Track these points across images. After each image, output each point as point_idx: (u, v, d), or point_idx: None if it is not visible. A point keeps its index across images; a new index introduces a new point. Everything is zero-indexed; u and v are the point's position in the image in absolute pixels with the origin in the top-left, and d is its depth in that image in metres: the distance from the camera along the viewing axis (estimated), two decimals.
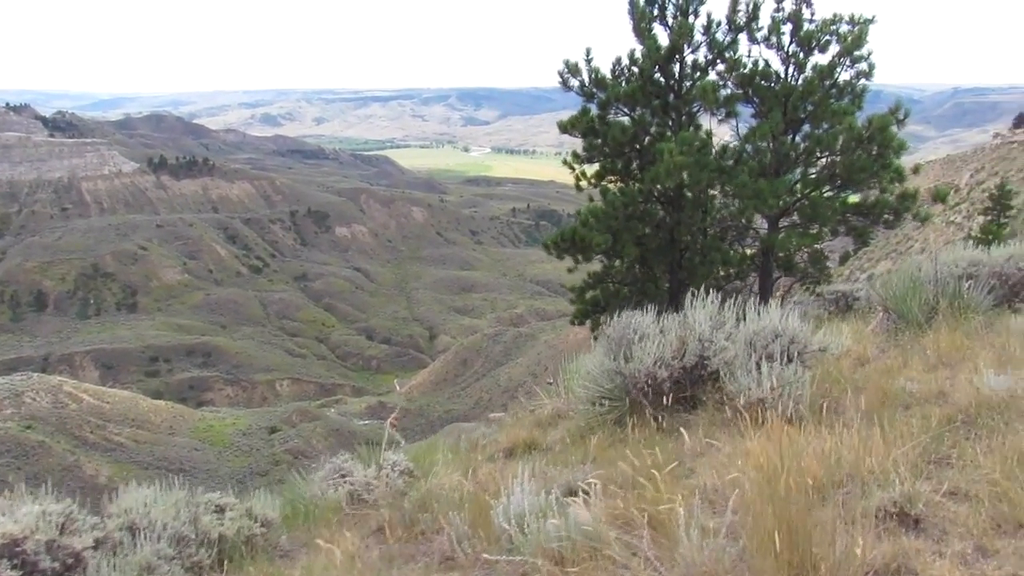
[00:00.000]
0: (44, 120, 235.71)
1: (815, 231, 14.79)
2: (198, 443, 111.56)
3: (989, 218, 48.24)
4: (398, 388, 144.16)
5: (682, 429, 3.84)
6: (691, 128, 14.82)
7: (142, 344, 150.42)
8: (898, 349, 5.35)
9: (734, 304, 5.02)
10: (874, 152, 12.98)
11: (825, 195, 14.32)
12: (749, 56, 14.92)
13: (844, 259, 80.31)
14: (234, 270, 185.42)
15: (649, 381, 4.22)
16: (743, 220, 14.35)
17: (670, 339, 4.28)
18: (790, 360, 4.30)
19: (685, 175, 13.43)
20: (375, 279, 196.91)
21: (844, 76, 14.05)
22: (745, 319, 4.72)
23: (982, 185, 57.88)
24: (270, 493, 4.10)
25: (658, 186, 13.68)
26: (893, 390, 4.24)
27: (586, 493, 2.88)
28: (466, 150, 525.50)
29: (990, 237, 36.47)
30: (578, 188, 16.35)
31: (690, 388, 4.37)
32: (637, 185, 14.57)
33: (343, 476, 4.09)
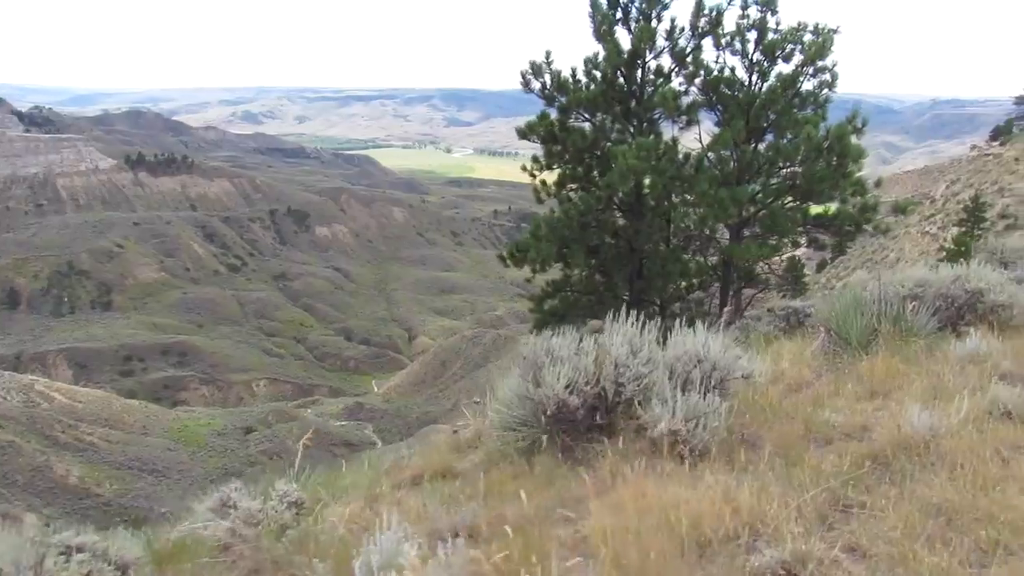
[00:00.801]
0: (20, 115, 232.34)
1: (775, 242, 14.63)
2: (172, 443, 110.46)
3: (963, 229, 48.68)
4: (376, 389, 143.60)
5: (583, 468, 3.59)
6: (651, 135, 14.59)
7: (117, 343, 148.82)
8: (835, 374, 5.12)
9: (662, 323, 4.77)
10: (833, 162, 12.82)
11: (787, 206, 14.17)
12: (716, 63, 14.76)
13: (821, 267, 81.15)
14: (212, 269, 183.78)
15: (560, 408, 3.95)
16: (705, 230, 14.16)
17: (585, 363, 4.01)
18: (711, 388, 4.05)
19: (646, 181, 13.21)
20: (355, 279, 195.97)
21: (807, 86, 13.91)
22: (668, 342, 4.47)
23: (957, 196, 58.36)
24: (146, 529, 3.80)
25: (615, 192, 13.42)
26: (817, 422, 4.01)
27: (462, 536, 2.61)
28: (448, 151, 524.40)
29: (962, 249, 36.72)
30: (537, 199, 16.12)
31: (607, 416, 4.11)
32: (596, 192, 14.31)
33: (228, 507, 3.78)
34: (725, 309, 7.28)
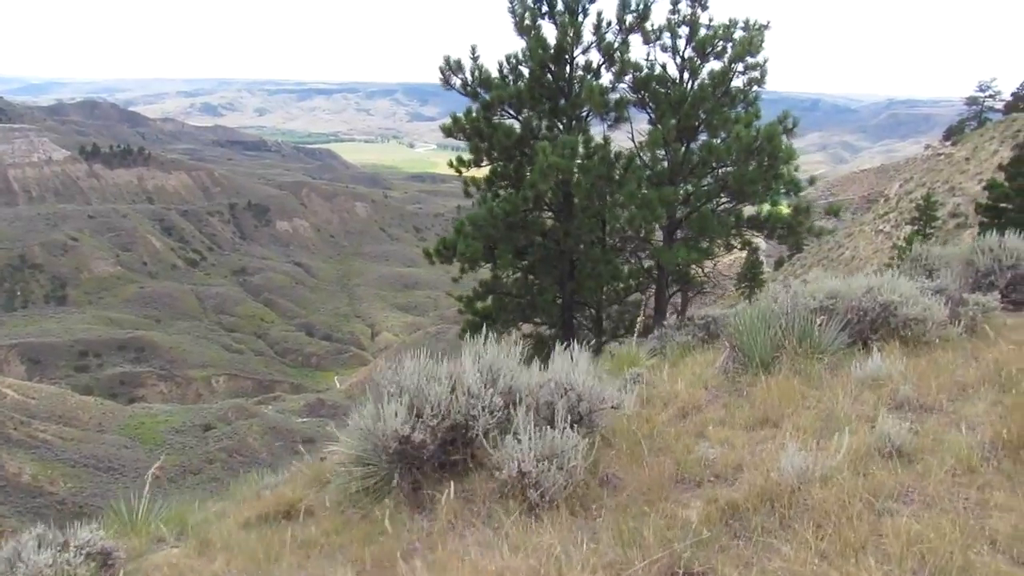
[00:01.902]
0: None
1: (706, 245, 14.30)
2: (128, 440, 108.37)
3: (915, 228, 49.28)
4: (338, 385, 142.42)
5: (421, 515, 3.15)
6: (580, 133, 14.17)
7: (71, 338, 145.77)
8: (731, 396, 4.74)
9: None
10: (765, 163, 12.51)
11: (720, 207, 13.86)
12: (648, 60, 14.38)
13: (778, 264, 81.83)
14: (169, 263, 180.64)
15: (404, 444, 3.50)
16: (636, 231, 13.77)
17: (436, 392, 3.57)
18: (578, 420, 3.63)
19: (578, 179, 12.75)
20: (316, 275, 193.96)
21: (738, 83, 13.57)
22: (546, 364, 4.05)
23: (910, 195, 59.05)
24: None
25: (539, 191, 12.98)
26: (690, 460, 3.62)
27: None
28: (411, 146, 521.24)
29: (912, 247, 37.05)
30: (466, 193, 15.63)
31: (464, 451, 3.67)
32: (524, 191, 13.83)
33: (18, 561, 3.27)
34: (638, 320, 6.92)
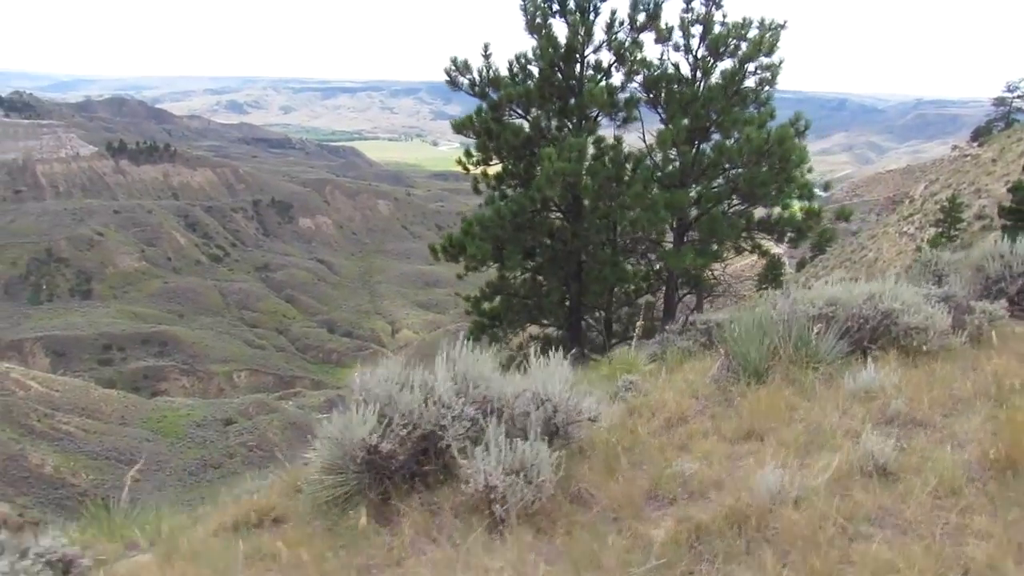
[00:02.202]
0: (0, 100, 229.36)
1: (715, 248, 14.06)
2: (150, 434, 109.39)
3: (940, 230, 48.56)
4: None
5: (388, 529, 3.06)
6: (588, 133, 13.99)
7: (96, 332, 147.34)
8: (721, 406, 4.61)
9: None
10: (776, 165, 12.27)
11: (731, 210, 13.63)
12: (662, 59, 14.16)
13: (801, 266, 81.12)
14: (193, 259, 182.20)
15: (372, 454, 3.42)
16: (643, 233, 13.57)
17: (407, 401, 3.48)
18: (553, 433, 3.53)
19: (585, 183, 12.58)
20: (338, 271, 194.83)
21: (751, 83, 13.32)
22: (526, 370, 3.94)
23: (935, 197, 58.22)
24: None
25: (545, 196, 12.83)
26: (667, 475, 3.50)
27: None
28: (435, 144, 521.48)
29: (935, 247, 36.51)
30: (475, 190, 15.53)
31: (434, 462, 3.58)
32: (531, 192, 13.69)
33: None
34: (637, 323, 6.80)
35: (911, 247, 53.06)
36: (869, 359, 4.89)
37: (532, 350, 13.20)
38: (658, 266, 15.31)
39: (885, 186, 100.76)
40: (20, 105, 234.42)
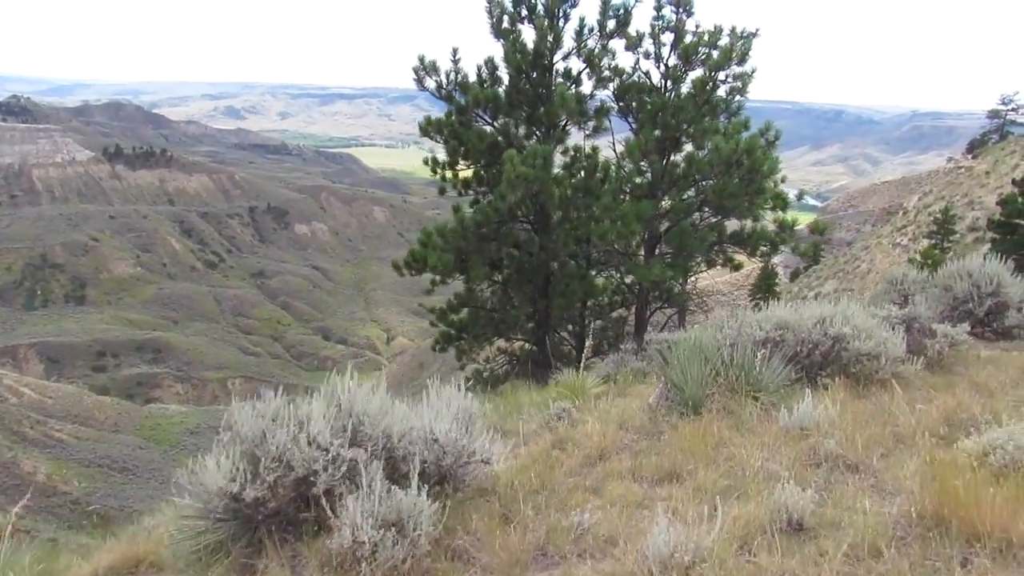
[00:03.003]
0: None
1: (684, 261, 13.65)
2: (143, 441, 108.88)
3: (932, 242, 48.36)
4: None
5: None
6: (555, 143, 13.62)
7: (90, 338, 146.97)
8: (650, 440, 4.26)
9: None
10: (745, 177, 11.91)
11: (702, 222, 13.25)
12: (635, 67, 13.80)
13: (794, 276, 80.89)
14: (188, 265, 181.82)
15: (235, 501, 3.06)
16: (614, 245, 13.19)
17: (277, 440, 3.12)
18: (442, 477, 3.17)
19: (550, 191, 12.16)
20: (333, 278, 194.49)
21: (721, 92, 12.96)
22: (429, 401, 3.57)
23: (929, 208, 57.96)
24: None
25: (508, 203, 12.43)
26: (562, 528, 3.14)
27: None
28: (431, 152, 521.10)
29: (929, 262, 36.19)
30: (441, 191, 15.18)
31: (314, 509, 3.22)
32: (495, 202, 13.26)
33: None
34: (587, 344, 6.47)
35: (904, 258, 52.82)
36: (811, 390, 4.54)
37: (499, 365, 12.82)
38: (629, 279, 14.92)
39: (880, 197, 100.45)
40: (17, 109, 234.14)
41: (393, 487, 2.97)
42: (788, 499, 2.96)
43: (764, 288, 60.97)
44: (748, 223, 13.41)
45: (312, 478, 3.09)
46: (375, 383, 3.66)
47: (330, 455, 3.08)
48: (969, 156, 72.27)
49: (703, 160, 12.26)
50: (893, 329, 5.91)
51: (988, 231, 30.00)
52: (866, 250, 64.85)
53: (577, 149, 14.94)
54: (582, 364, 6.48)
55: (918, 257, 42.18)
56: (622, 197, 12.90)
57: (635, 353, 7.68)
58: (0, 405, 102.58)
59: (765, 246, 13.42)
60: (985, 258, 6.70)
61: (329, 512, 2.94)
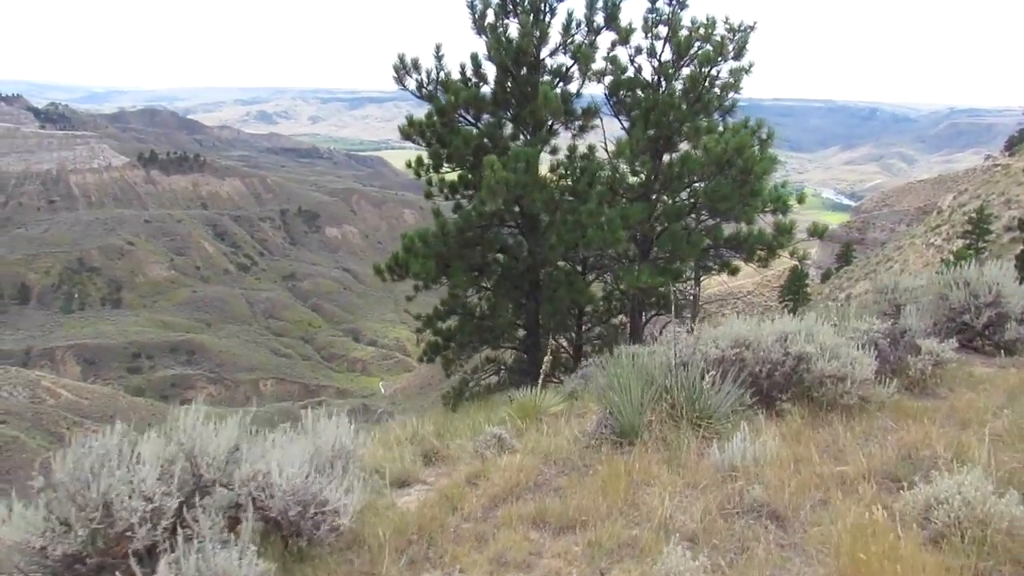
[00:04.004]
0: (36, 111, 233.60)
1: (676, 266, 12.95)
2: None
3: (967, 242, 46.95)
4: (383, 391, 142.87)
5: None
6: (541, 144, 13.01)
7: (125, 340, 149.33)
8: (573, 476, 3.76)
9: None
10: (738, 178, 11.23)
11: (699, 226, 12.59)
12: (632, 63, 13.16)
13: (826, 277, 79.44)
14: (222, 268, 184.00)
15: (42, 557, 2.64)
16: (600, 251, 12.56)
17: (102, 487, 2.69)
18: (295, 532, 2.72)
19: (534, 196, 11.57)
20: (364, 281, 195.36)
21: (717, 89, 12.26)
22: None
23: (964, 208, 56.30)
24: None
25: (489, 209, 11.87)
26: None
27: None
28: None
29: (963, 263, 35.05)
30: (427, 195, 14.64)
31: (147, 564, 2.78)
32: (474, 209, 12.66)
33: None
34: (545, 359, 5.99)
35: (938, 259, 51.35)
36: (766, 417, 4.00)
37: (486, 375, 12.30)
38: (623, 285, 14.26)
39: (915, 196, 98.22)
40: (55, 116, 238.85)
41: (218, 547, 2.53)
42: (674, 567, 2.47)
43: (793, 290, 59.71)
44: (744, 226, 12.73)
45: (129, 532, 2.66)
46: (241, 417, 3.22)
47: (150, 506, 2.65)
48: (1007, 154, 70.26)
49: (694, 160, 11.61)
50: (874, 345, 5.34)
51: (1021, 231, 28.90)
52: (899, 250, 63.28)
53: (572, 149, 14.39)
54: (540, 380, 5.98)
55: (951, 258, 40.90)
56: (619, 199, 12.31)
57: (603, 368, 7.17)
58: (38, 406, 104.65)
59: (762, 250, 12.71)
60: (983, 264, 6.09)
61: (138, 574, 2.50)
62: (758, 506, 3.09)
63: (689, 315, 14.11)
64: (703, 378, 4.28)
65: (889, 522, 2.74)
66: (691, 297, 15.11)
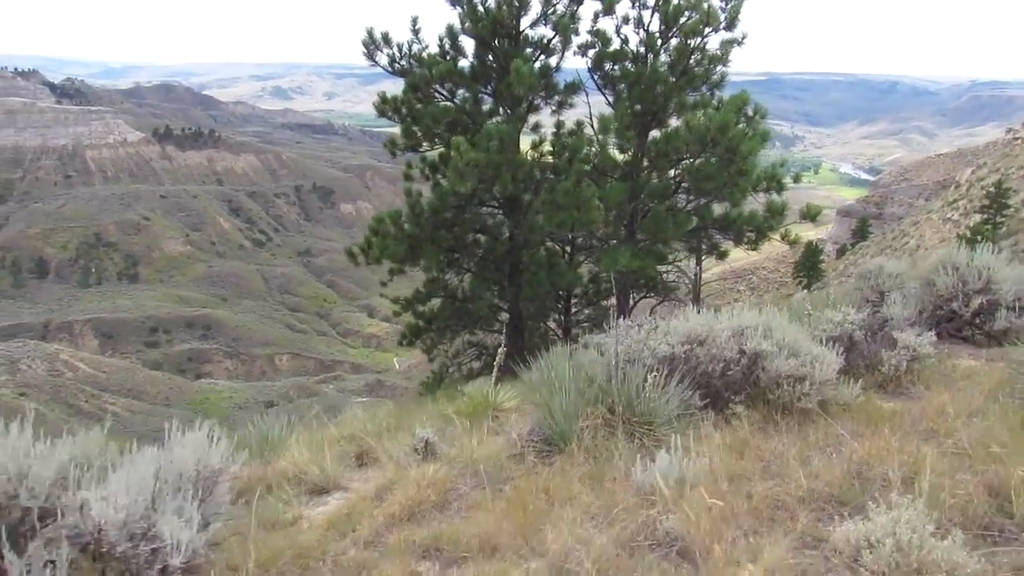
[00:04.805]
0: (52, 86, 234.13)
1: (660, 248, 12.38)
2: (193, 415, 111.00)
3: (984, 217, 45.91)
4: (397, 366, 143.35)
5: None
6: (521, 121, 12.43)
7: (142, 314, 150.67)
8: (487, 493, 3.36)
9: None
10: (724, 156, 10.65)
11: (689, 206, 12.01)
12: (619, 33, 12.51)
13: (841, 253, 78.51)
14: (237, 243, 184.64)
15: None
16: (577, 232, 11.99)
17: None
18: (125, 569, 2.34)
19: (506, 176, 10.99)
20: None
21: (705, 62, 11.62)
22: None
23: (982, 182, 55.09)
24: None
25: (459, 194, 11.33)
26: None
27: None
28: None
29: (979, 238, 34.14)
30: (406, 176, 14.12)
31: None
32: (448, 189, 12.10)
33: None
34: (500, 350, 5.62)
35: (954, 234, 50.33)
36: (715, 421, 3.58)
37: (467, 359, 11.81)
38: (601, 268, 13.72)
39: (935, 170, 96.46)
40: (72, 92, 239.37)
41: None
42: None
43: (808, 266, 58.80)
44: (732, 207, 12.13)
45: None
46: (88, 433, 2.83)
47: None
48: None
49: (680, 137, 11.02)
50: (849, 339, 4.89)
51: None
52: (915, 226, 62.20)
53: (559, 126, 13.82)
54: (495, 372, 5.57)
55: (968, 233, 39.99)
56: (606, 178, 11.73)
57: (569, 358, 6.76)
58: (57, 379, 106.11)
59: (752, 232, 12.12)
60: (975, 247, 5.61)
61: None
62: (671, 540, 2.67)
63: (690, 297, 13.59)
64: (646, 378, 3.86)
65: (817, 563, 2.34)
66: (693, 278, 14.58)
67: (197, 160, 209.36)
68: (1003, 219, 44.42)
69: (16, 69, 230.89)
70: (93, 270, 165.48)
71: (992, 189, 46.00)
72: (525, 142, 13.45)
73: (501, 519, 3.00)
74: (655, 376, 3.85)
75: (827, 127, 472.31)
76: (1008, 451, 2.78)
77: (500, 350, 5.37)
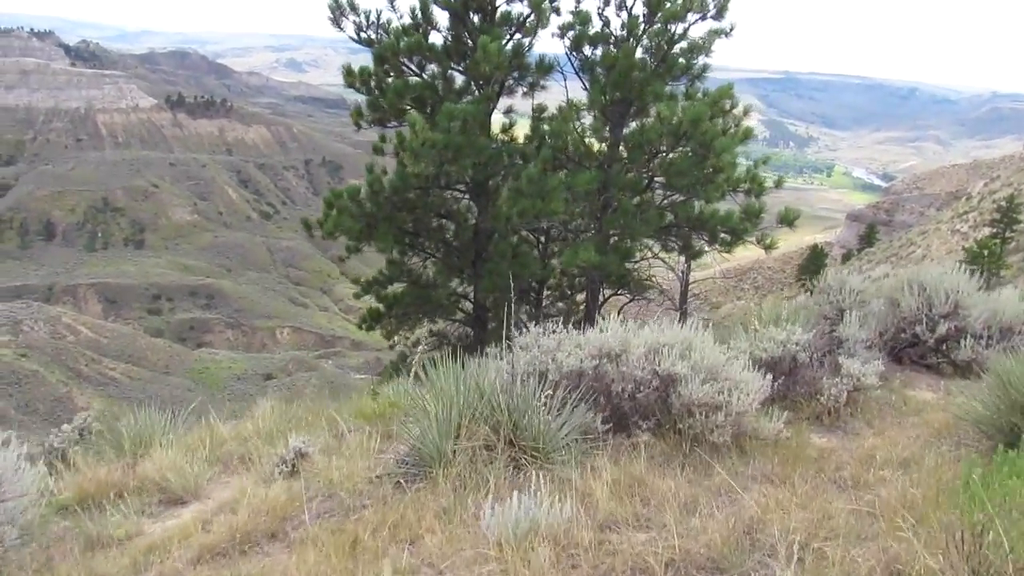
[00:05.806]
0: (67, 48, 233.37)
1: (627, 245, 11.79)
2: (192, 383, 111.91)
3: (993, 231, 45.16)
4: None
5: None
6: (490, 101, 11.85)
7: (146, 281, 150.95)
8: (323, 525, 2.90)
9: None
10: (698, 152, 10.09)
11: (666, 201, 11.44)
12: (600, 16, 11.88)
13: (846, 258, 77.79)
14: (244, 214, 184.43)
15: None
16: (528, 223, 11.36)
17: None
18: None
19: (466, 161, 10.43)
20: None
21: (688, 51, 11.02)
22: None
23: (995, 195, 54.26)
24: None
25: (417, 177, 10.80)
26: None
27: None
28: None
29: (985, 253, 33.28)
30: (376, 150, 13.60)
31: None
32: (407, 171, 11.55)
33: None
34: (419, 349, 5.20)
35: (962, 246, 49.59)
36: (614, 450, 3.10)
37: (427, 348, 11.28)
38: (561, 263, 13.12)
39: (948, 180, 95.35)
40: (86, 55, 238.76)
41: None
42: None
43: (811, 269, 58.19)
44: (704, 205, 11.54)
45: None
46: None
47: None
48: None
49: (653, 129, 10.44)
50: (792, 360, 4.40)
51: None
52: (924, 235, 61.43)
53: (540, 109, 13.24)
54: (412, 368, 5.11)
55: (975, 246, 39.26)
56: (581, 167, 11.13)
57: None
58: (58, 342, 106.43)
59: (726, 233, 11.52)
60: (977, 260, 5.11)
61: None
62: None
63: (677, 299, 13.02)
64: (538, 396, 3.38)
65: None
66: (682, 276, 13.99)
67: (208, 129, 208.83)
68: (1012, 234, 43.73)
69: (32, 29, 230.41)
70: (99, 235, 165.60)
71: (1004, 203, 45.30)
72: (498, 125, 12.94)
73: (322, 561, 2.54)
74: (549, 395, 3.37)
75: (842, 130, 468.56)
76: (918, 528, 2.26)
77: (419, 349, 4.89)
